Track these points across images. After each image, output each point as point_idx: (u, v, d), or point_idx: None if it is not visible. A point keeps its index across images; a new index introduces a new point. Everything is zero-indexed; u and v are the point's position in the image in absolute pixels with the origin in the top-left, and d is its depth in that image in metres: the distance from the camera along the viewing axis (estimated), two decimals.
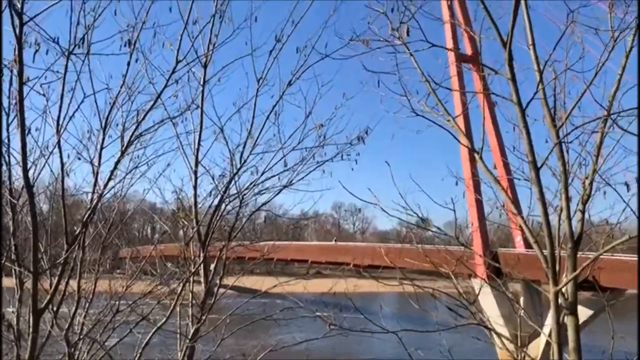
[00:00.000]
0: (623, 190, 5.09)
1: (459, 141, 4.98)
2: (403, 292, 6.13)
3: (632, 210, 4.37)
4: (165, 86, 5.90)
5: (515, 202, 5.66)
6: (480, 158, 4.78)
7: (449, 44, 31.35)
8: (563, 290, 4.62)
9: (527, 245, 30.66)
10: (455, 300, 5.35)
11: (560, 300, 4.46)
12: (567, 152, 5.06)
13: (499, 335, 4.96)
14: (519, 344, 5.39)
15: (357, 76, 6.41)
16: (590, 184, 4.56)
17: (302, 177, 7.06)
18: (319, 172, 7.19)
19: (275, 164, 6.83)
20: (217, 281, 7.12)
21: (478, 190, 8.32)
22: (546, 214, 4.42)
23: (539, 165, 4.47)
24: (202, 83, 6.82)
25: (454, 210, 4.98)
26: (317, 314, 6.12)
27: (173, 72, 5.90)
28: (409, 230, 7.80)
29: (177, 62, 5.93)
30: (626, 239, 4.30)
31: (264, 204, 7.13)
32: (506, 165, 7.49)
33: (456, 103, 9.15)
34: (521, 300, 31.63)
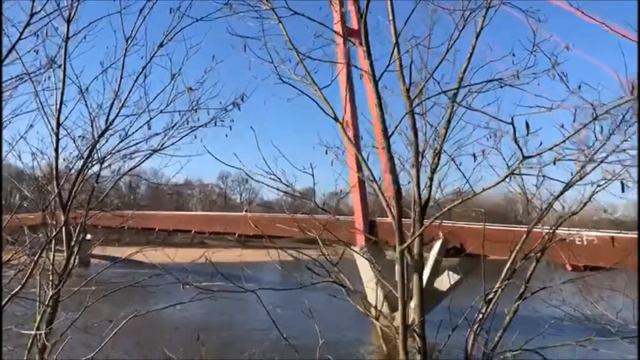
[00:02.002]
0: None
1: (324, 111, 5.14)
2: (287, 262, 6.26)
3: (467, 182, 4.80)
4: (19, 39, 5.48)
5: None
6: (342, 126, 5.00)
7: (336, 17, 31.45)
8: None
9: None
10: (332, 265, 5.59)
11: (408, 259, 4.83)
12: (427, 125, 5.43)
13: (355, 293, 5.26)
14: (378, 307, 5.73)
15: (230, 41, 6.37)
16: (438, 154, 4.94)
17: (174, 142, 6.92)
18: (198, 138, 7.07)
19: (140, 127, 6.63)
20: (76, 248, 6.83)
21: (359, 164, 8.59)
22: (395, 179, 4.75)
23: (389, 133, 4.76)
24: (64, 39, 6.41)
25: (313, 175, 5.16)
26: (185, 281, 6.06)
27: (27, 24, 5.49)
28: (282, 198, 7.95)
29: (33, 13, 5.52)
30: (459, 202, 4.75)
31: (131, 169, 6.92)
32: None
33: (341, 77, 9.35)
34: (397, 266, 33.53)
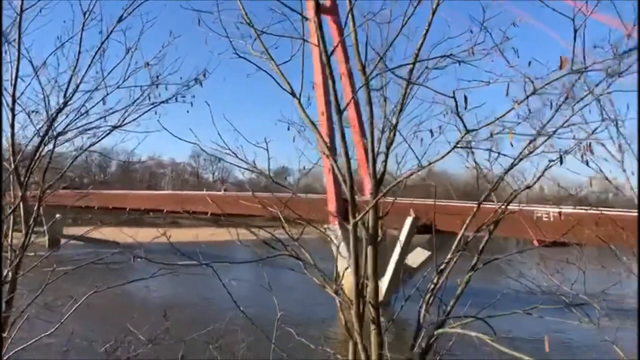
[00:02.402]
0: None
1: (282, 87, 5.15)
2: (260, 240, 6.29)
3: (418, 159, 4.90)
4: None
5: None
6: (299, 102, 5.02)
7: None
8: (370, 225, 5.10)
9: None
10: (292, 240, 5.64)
11: (363, 232, 4.93)
12: (385, 100, 5.47)
13: (312, 266, 5.33)
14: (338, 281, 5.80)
15: (192, 16, 6.30)
16: (394, 129, 5.01)
17: (135, 119, 6.88)
18: (158, 115, 7.01)
19: (97, 103, 6.56)
20: (44, 227, 6.78)
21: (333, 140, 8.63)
22: (346, 153, 4.82)
23: (342, 108, 4.81)
24: (19, 12, 6.28)
25: (267, 150, 5.19)
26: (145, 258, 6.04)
27: None
28: (254, 177, 7.94)
29: None
30: (408, 175, 4.86)
31: (91, 145, 6.85)
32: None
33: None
34: (350, 238, 33.81)
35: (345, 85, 8.28)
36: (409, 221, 37.50)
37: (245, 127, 6.15)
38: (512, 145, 4.65)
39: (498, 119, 4.40)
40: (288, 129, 6.41)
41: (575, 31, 4.09)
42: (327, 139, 6.31)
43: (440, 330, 5.01)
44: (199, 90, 7.03)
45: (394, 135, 5.03)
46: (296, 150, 6.03)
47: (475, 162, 5.16)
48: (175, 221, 69.53)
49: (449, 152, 4.53)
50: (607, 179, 6.43)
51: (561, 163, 4.57)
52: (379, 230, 5.63)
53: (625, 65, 4.57)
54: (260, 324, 6.01)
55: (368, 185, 5.17)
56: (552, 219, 31.24)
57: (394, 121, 5.00)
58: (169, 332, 7.89)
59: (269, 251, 5.61)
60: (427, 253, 36.25)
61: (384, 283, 36.08)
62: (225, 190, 59.97)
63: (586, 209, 10.67)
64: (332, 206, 37.61)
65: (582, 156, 4.47)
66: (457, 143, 4.47)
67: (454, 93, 4.25)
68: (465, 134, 4.40)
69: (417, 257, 36.67)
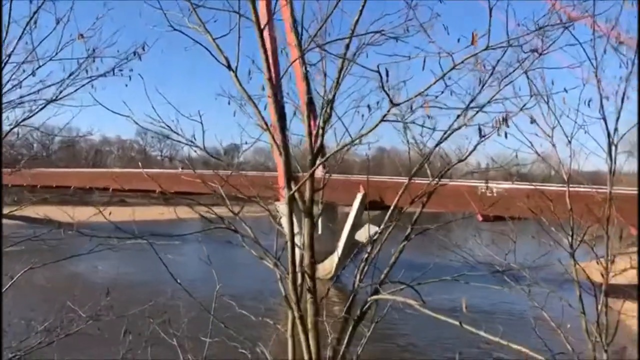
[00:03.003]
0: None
1: (218, 60, 5.12)
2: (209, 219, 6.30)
3: (349, 134, 5.02)
4: None
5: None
6: (235, 75, 5.02)
7: None
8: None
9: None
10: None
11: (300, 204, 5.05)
12: (326, 76, 5.53)
13: (249, 238, 5.41)
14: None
15: None
16: (330, 104, 5.10)
17: (70, 93, 6.71)
18: (94, 88, 6.84)
19: (28, 76, 6.36)
20: None
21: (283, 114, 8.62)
22: (282, 126, 4.89)
23: (276, 81, 4.86)
24: None
25: (201, 123, 5.20)
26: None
27: None
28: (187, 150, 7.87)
29: None
30: (341, 148, 5.00)
31: (25, 119, 6.65)
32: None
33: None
34: (319, 221, 34.29)
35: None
36: (358, 198, 38.10)
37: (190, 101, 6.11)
38: (429, 117, 4.82)
39: (420, 94, 4.54)
40: (229, 103, 6.39)
41: (490, 9, 4.24)
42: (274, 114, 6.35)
43: (373, 297, 5.21)
44: (142, 63, 6.90)
45: (331, 110, 5.12)
46: (238, 126, 6.04)
47: (406, 137, 5.35)
48: (123, 200, 68.00)
49: (376, 127, 4.67)
50: (536, 152, 6.75)
51: (480, 136, 4.78)
52: (319, 203, 5.77)
53: (549, 42, 4.79)
54: (212, 299, 6.09)
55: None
56: (495, 194, 32.39)
57: (330, 97, 5.09)
58: (113, 309, 7.83)
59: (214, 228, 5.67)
60: (375, 229, 36.86)
61: (335, 258, 36.70)
62: (182, 168, 58.63)
63: (519, 185, 11.16)
64: (282, 182, 37.67)
65: (497, 130, 4.67)
66: (383, 117, 4.60)
67: (378, 67, 4.36)
68: (391, 107, 4.53)
69: (367, 232, 37.29)
